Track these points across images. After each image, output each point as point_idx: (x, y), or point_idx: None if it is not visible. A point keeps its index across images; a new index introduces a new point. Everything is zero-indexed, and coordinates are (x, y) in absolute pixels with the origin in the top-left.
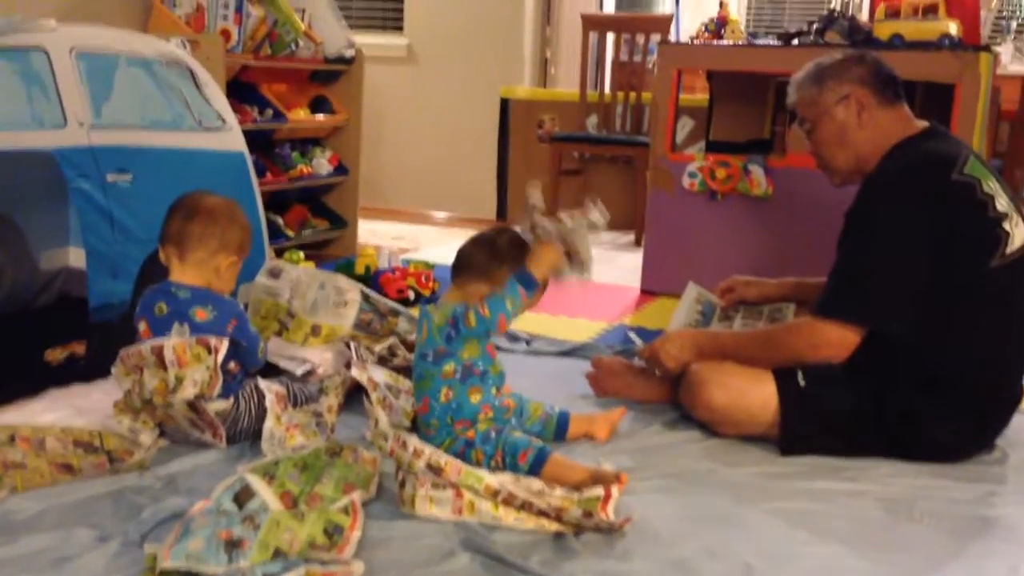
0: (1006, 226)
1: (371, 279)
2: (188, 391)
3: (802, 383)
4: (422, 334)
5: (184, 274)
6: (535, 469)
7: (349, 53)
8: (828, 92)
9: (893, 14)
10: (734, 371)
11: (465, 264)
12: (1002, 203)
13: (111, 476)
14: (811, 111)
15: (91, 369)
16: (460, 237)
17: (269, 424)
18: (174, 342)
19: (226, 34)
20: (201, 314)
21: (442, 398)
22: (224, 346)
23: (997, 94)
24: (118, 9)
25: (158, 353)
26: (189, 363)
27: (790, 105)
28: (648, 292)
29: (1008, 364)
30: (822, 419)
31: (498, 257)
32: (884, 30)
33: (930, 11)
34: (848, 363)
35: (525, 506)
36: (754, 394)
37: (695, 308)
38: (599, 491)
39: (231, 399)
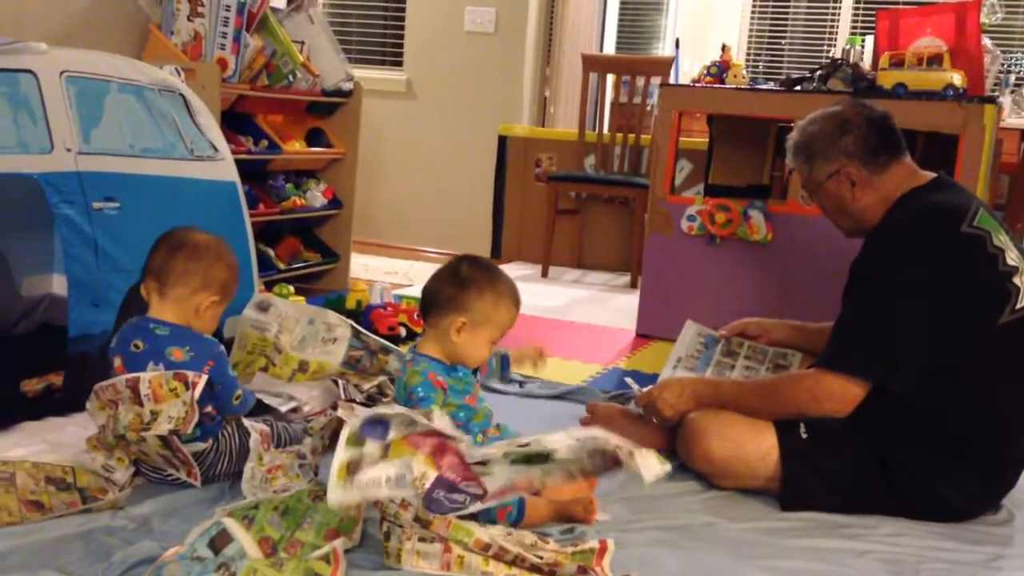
0: (1017, 280)
1: (362, 315)
2: (162, 427)
3: (804, 436)
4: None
5: (163, 310)
6: (517, 522)
7: (347, 86)
8: (817, 170)
9: (897, 63)
10: (733, 421)
11: (434, 300)
12: (1012, 257)
13: (83, 515)
14: (806, 184)
15: (67, 402)
16: None
17: (251, 465)
18: (150, 376)
19: (223, 63)
20: (177, 354)
21: None
22: (202, 381)
23: (1000, 146)
24: (114, 35)
25: (133, 387)
26: (165, 398)
27: (789, 166)
28: (644, 336)
29: (1015, 423)
30: (824, 474)
31: (466, 285)
32: (888, 79)
33: (934, 61)
34: (851, 417)
35: (517, 561)
36: (754, 446)
37: (696, 340)
38: (594, 544)
39: (209, 441)
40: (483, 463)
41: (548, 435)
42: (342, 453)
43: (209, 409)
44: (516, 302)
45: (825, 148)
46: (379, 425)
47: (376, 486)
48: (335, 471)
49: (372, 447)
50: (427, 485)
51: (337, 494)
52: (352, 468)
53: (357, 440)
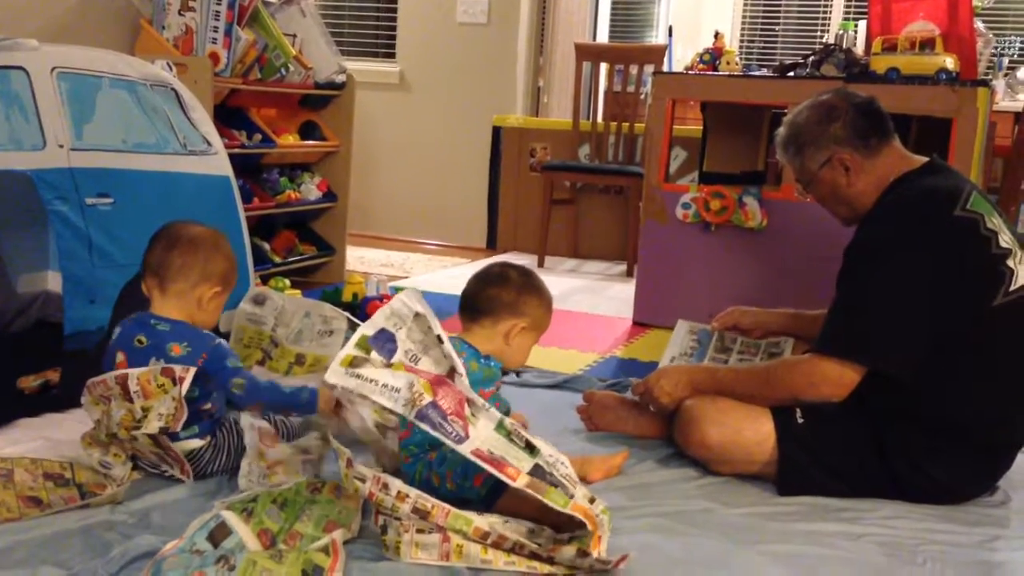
0: (1010, 263)
1: (358, 307)
2: (153, 424)
3: (800, 420)
4: None
5: (165, 306)
6: (495, 494)
7: (340, 79)
8: (809, 159)
9: (890, 48)
10: (730, 408)
11: (492, 304)
12: (1006, 239)
13: (81, 511)
14: (800, 176)
15: (64, 398)
16: (449, 265)
17: (247, 460)
18: (138, 372)
19: (215, 57)
20: (176, 349)
21: None
22: (189, 376)
23: (993, 129)
24: (105, 30)
25: (123, 383)
26: (154, 394)
27: (780, 161)
28: (640, 324)
29: (1010, 405)
30: (820, 458)
31: (525, 290)
32: (881, 64)
33: (927, 45)
34: (847, 401)
35: (516, 548)
36: (750, 432)
37: (689, 338)
38: (589, 529)
39: (207, 438)
40: (474, 409)
41: (540, 440)
42: (351, 348)
43: (208, 406)
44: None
45: (815, 137)
46: (388, 343)
47: (372, 384)
48: (340, 356)
49: (377, 359)
50: (423, 403)
51: (336, 376)
52: (356, 363)
53: (366, 346)
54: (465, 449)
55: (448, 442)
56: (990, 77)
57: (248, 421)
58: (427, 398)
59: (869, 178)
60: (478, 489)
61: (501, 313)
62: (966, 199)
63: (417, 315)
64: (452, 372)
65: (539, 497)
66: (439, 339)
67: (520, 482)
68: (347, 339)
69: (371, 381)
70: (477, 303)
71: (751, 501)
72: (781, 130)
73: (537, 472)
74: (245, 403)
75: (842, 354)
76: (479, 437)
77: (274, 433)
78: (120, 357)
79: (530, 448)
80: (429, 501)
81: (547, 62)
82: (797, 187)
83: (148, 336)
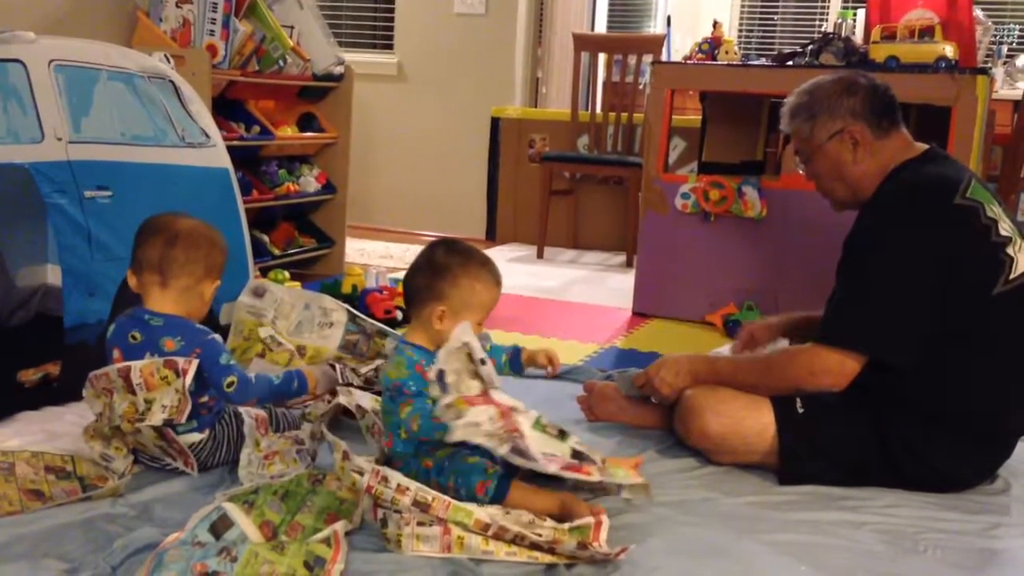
0: (1010, 251)
1: (358, 299)
2: (156, 416)
3: (800, 410)
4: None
5: (164, 301)
6: (497, 500)
7: (338, 70)
8: (820, 128)
9: (889, 36)
10: (730, 398)
11: (413, 292)
12: (1005, 228)
13: (83, 503)
14: (805, 146)
15: (65, 391)
16: None
17: (247, 451)
18: (141, 364)
19: (212, 49)
20: (169, 344)
21: (403, 435)
22: (192, 368)
23: (992, 117)
24: (102, 23)
25: (125, 376)
26: (156, 386)
27: (784, 131)
28: (640, 314)
29: (1010, 393)
30: (821, 447)
31: (440, 273)
32: (880, 52)
33: (926, 33)
34: (847, 391)
35: (517, 539)
36: (751, 422)
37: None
38: (589, 519)
39: (206, 431)
40: (517, 414)
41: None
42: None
43: (206, 399)
44: (495, 281)
45: (830, 107)
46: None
47: (476, 428)
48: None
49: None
50: (510, 433)
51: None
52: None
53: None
54: (553, 467)
55: (538, 467)
56: (989, 65)
57: (245, 408)
58: (509, 428)
59: (874, 160)
60: (481, 498)
61: (422, 301)
62: (965, 188)
63: (464, 345)
64: (488, 388)
65: (608, 480)
66: (482, 362)
67: (595, 477)
68: (347, 331)
69: (475, 425)
70: (407, 293)
71: (752, 491)
72: (792, 98)
73: (579, 457)
74: (238, 400)
75: (842, 344)
76: (531, 442)
77: (264, 417)
78: (116, 354)
79: (562, 434)
80: (429, 494)
81: (545, 53)
82: (796, 160)
83: (142, 332)
